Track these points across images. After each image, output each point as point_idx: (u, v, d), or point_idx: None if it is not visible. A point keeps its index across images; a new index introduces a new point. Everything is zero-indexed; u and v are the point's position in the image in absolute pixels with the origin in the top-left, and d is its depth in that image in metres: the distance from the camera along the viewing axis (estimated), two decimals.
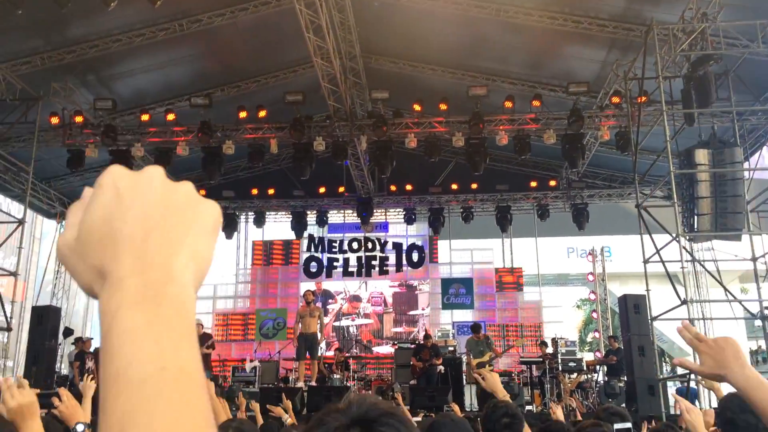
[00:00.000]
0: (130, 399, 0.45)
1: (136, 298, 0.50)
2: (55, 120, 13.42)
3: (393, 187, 17.72)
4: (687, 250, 11.33)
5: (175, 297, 0.51)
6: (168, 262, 0.52)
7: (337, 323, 18.94)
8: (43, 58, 12.33)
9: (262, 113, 13.80)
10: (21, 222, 12.79)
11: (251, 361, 14.07)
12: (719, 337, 1.68)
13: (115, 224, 0.52)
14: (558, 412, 4.42)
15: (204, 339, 12.08)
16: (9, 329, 13.42)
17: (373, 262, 18.99)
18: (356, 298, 19.13)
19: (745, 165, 12.49)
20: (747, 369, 1.61)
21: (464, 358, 13.33)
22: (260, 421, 5.40)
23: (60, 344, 14.41)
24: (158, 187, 0.55)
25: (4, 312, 12.71)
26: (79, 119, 13.38)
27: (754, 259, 11.18)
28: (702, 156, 11.21)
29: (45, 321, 13.23)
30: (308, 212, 18.61)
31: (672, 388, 16.29)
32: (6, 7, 10.02)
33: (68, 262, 0.55)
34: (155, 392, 0.45)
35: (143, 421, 0.43)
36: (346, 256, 19.14)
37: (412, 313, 18.91)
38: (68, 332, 15.03)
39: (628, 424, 3.49)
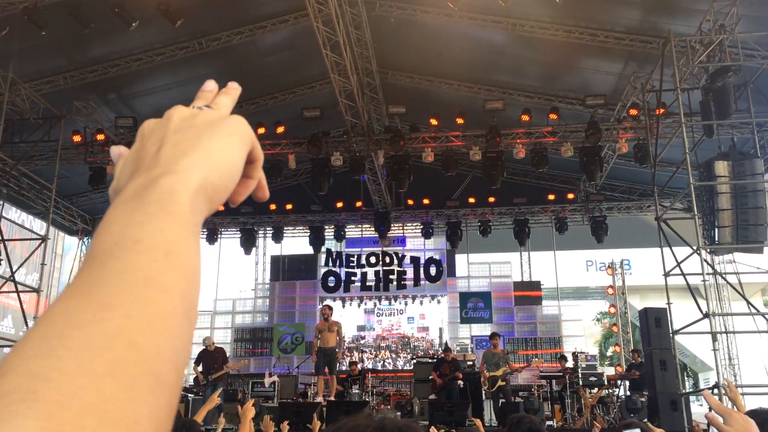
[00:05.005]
0: (86, 272, 0.47)
1: (127, 195, 0.52)
2: (77, 138, 13.66)
3: (410, 202, 17.74)
4: (708, 263, 11.21)
5: (165, 186, 0.52)
6: (174, 160, 0.55)
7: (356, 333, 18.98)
8: (65, 77, 12.57)
9: (280, 129, 13.93)
10: (44, 239, 12.97)
11: (270, 376, 14.07)
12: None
13: (139, 154, 0.58)
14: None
15: (218, 353, 12.19)
16: None
17: (391, 276, 18.99)
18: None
19: (766, 177, 12.35)
20: None
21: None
22: None
23: None
24: (174, 116, 0.61)
25: (28, 328, 12.82)
26: (100, 137, 13.60)
27: None
28: (722, 168, 11.13)
29: None
30: (326, 227, 18.66)
31: (694, 403, 16.07)
32: (31, 28, 10.24)
33: None
34: (103, 263, 0.47)
35: (91, 289, 0.45)
36: (363, 270, 19.17)
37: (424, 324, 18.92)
38: None
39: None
